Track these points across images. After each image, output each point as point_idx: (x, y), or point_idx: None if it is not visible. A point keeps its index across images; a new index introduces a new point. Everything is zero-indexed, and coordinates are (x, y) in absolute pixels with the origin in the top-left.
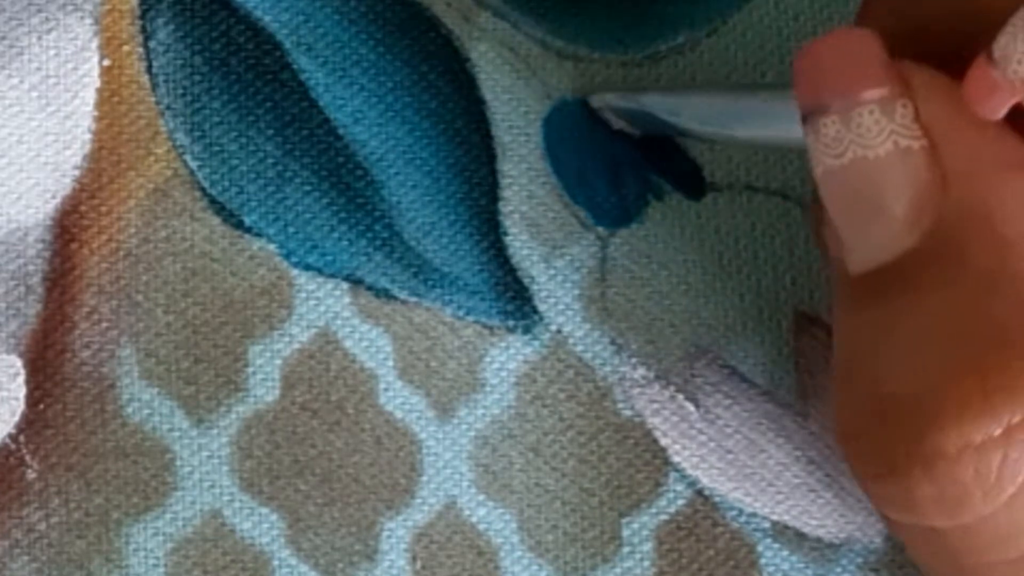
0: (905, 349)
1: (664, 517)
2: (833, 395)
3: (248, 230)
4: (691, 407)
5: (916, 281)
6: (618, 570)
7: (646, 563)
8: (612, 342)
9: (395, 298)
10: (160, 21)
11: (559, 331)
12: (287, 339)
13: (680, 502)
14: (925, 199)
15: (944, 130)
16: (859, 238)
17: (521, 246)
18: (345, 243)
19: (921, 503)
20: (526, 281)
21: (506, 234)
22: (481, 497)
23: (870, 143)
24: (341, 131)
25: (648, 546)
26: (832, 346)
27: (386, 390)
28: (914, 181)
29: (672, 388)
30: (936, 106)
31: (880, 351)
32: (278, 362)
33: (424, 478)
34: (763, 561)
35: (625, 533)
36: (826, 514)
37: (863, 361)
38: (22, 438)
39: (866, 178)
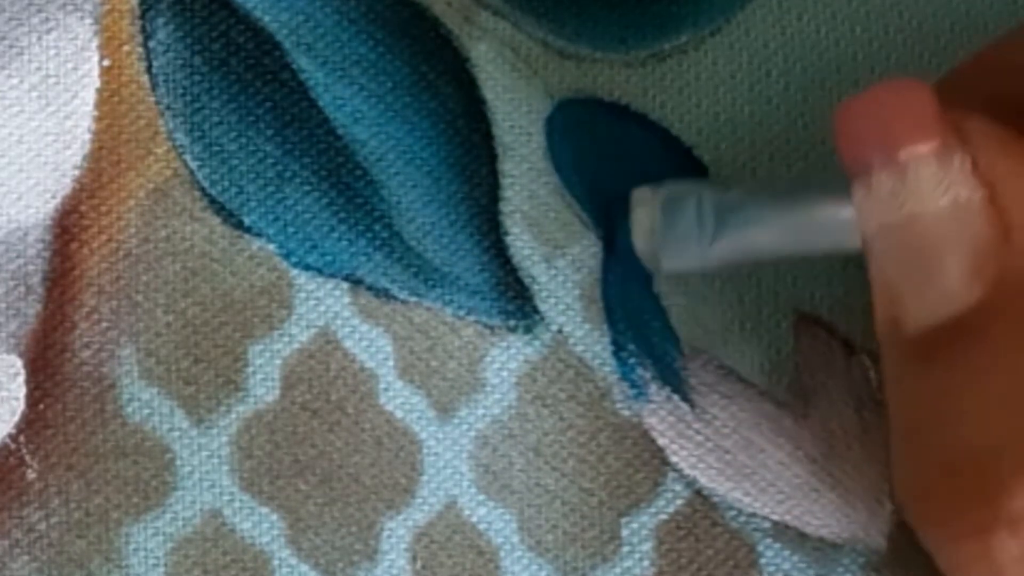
0: (982, 404)
1: (663, 517)
2: (894, 456)
3: (248, 230)
4: (686, 407)
5: (986, 334)
6: (618, 570)
7: (646, 563)
8: (612, 342)
9: (395, 298)
10: (160, 21)
11: (560, 331)
12: (287, 339)
13: (679, 502)
14: (987, 251)
15: (1003, 179)
16: (917, 295)
17: (522, 246)
18: (345, 243)
19: (1004, 565)
20: (527, 281)
21: (507, 234)
22: (481, 497)
23: (927, 197)
24: (341, 131)
25: (648, 546)
26: (832, 346)
27: (386, 390)
28: (974, 233)
29: (668, 388)
30: (993, 155)
31: (953, 407)
32: (278, 362)
33: (424, 478)
34: (763, 561)
35: (625, 533)
36: (828, 514)
37: (933, 419)
38: (22, 438)
39: (923, 233)
